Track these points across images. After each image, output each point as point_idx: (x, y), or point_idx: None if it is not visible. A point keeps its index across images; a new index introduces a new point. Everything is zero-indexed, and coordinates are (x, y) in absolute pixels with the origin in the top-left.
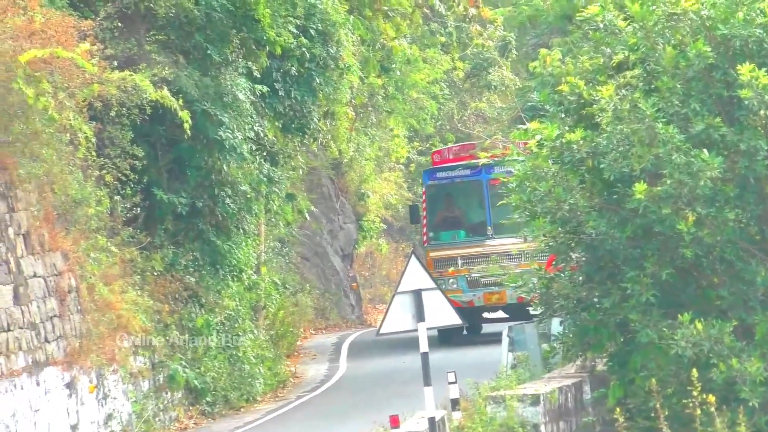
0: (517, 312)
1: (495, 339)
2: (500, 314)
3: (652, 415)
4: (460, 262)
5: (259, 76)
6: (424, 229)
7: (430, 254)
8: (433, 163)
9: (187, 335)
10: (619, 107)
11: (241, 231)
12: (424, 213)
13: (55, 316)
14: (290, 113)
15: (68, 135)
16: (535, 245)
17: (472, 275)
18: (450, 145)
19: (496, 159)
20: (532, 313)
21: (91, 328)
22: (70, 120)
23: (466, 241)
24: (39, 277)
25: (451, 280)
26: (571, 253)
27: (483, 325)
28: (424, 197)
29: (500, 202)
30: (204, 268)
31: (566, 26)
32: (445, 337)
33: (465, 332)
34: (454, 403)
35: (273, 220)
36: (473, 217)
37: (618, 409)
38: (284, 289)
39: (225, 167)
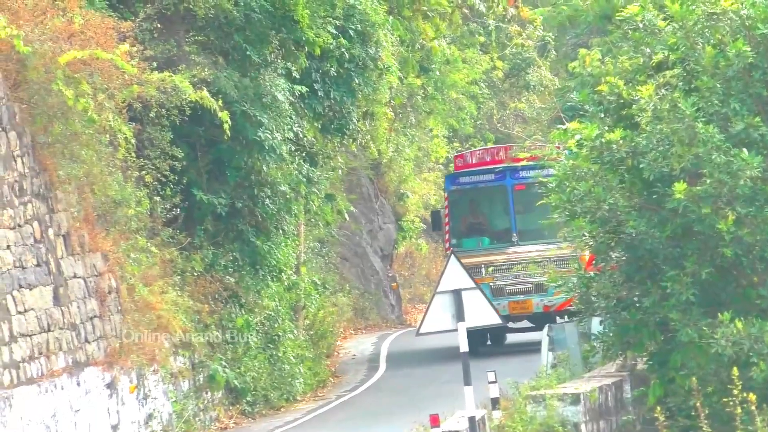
0: (543, 321)
1: (519, 350)
2: (525, 324)
3: (693, 413)
4: (484, 269)
5: (298, 76)
6: (447, 236)
7: None
8: (455, 167)
9: (228, 335)
10: (658, 107)
11: (281, 231)
12: (447, 219)
13: (95, 316)
14: (329, 114)
15: (108, 136)
16: (562, 251)
17: (497, 283)
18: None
19: (534, 160)
20: (544, 334)
21: (131, 329)
22: (109, 121)
23: (490, 248)
24: (79, 277)
25: None
26: (611, 253)
27: (507, 335)
28: (446, 203)
29: (539, 202)
30: (244, 268)
31: (605, 26)
32: (474, 349)
33: (489, 342)
34: (494, 403)
35: (312, 220)
36: (497, 223)
37: (658, 408)
38: (324, 289)
39: (264, 168)
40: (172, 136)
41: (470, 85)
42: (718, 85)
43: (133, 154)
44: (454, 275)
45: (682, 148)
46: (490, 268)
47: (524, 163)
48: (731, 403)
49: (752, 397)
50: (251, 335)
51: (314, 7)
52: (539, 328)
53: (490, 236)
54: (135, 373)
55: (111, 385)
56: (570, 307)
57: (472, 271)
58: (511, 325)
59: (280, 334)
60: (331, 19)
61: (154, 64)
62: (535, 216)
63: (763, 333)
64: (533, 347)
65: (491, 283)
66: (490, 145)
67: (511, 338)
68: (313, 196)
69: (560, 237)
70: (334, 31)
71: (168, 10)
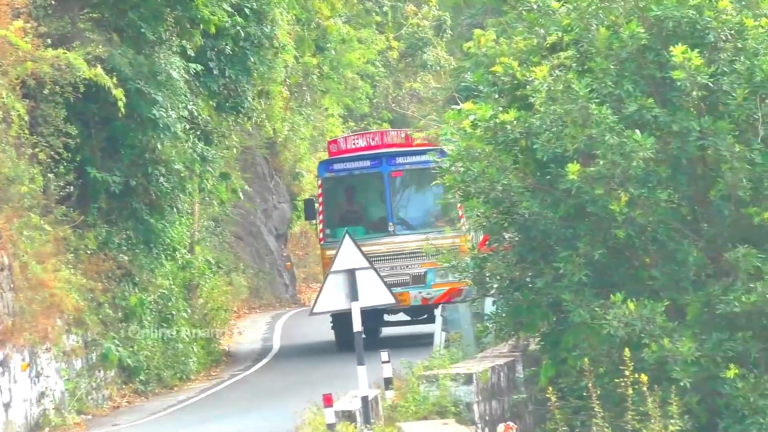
0: (420, 314)
1: (393, 344)
2: (402, 317)
3: (584, 394)
4: None
5: (193, 54)
6: (320, 226)
7: (327, 253)
8: (329, 153)
9: (120, 314)
10: (552, 88)
11: (175, 210)
12: (320, 208)
13: None
14: (224, 92)
15: (1, 113)
16: (440, 241)
17: None
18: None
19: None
20: (437, 314)
21: (23, 306)
22: (2, 98)
23: (365, 238)
24: None
25: None
26: (505, 234)
27: (383, 329)
28: (320, 191)
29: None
30: (137, 246)
31: (500, 7)
32: (343, 342)
33: (363, 336)
34: (388, 382)
35: (207, 199)
36: (373, 212)
37: (550, 389)
38: (218, 268)
39: (159, 146)
40: (66, 114)
41: (366, 64)
42: (612, 67)
43: (27, 131)
44: (349, 255)
45: (576, 129)
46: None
47: (402, 149)
48: (623, 384)
49: (644, 378)
50: (145, 314)
51: None
52: (416, 321)
53: (365, 226)
54: (27, 351)
55: (3, 363)
56: (448, 301)
57: None
58: (386, 317)
59: (173, 313)
60: None
61: (48, 41)
62: (413, 204)
63: (654, 314)
64: (409, 342)
65: None
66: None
67: (387, 332)
68: (208, 174)
69: (439, 226)
70: (229, 9)
71: None
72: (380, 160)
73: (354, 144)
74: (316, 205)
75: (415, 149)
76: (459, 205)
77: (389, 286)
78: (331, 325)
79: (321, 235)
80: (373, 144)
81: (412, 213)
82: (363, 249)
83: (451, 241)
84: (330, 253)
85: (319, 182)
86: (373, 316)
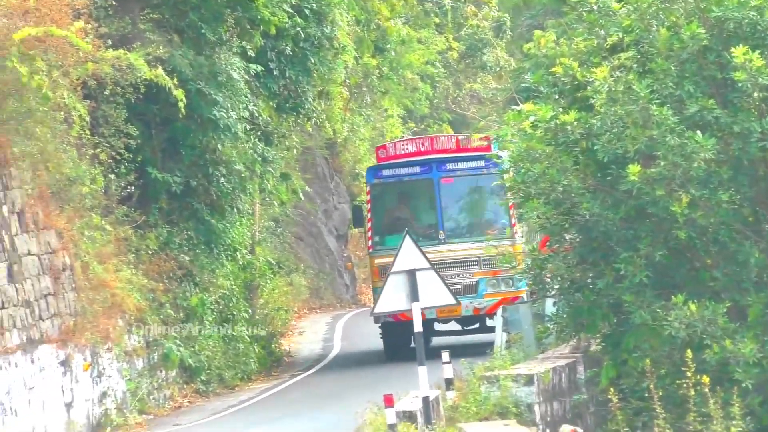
0: (471, 323)
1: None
2: (452, 326)
3: (646, 395)
4: None
5: (253, 55)
6: (369, 234)
7: (375, 261)
8: (377, 158)
9: (182, 314)
10: (613, 89)
11: (236, 210)
12: (369, 215)
13: (49, 294)
14: (285, 93)
15: (62, 113)
16: (492, 251)
17: None
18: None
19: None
20: (490, 324)
21: (85, 306)
22: (64, 98)
23: None
24: (33, 255)
25: None
26: (565, 235)
27: (433, 338)
28: (368, 198)
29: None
30: (198, 247)
31: (561, 7)
32: (392, 352)
33: (413, 345)
34: (448, 383)
35: (267, 199)
36: (423, 219)
37: (611, 390)
38: (279, 268)
39: (219, 146)
40: (126, 114)
41: (426, 65)
42: (673, 68)
43: (88, 132)
44: (409, 255)
45: (637, 130)
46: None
47: (453, 154)
48: (684, 386)
49: (705, 379)
50: (206, 314)
51: None
52: (466, 331)
53: (415, 234)
54: (89, 351)
55: (65, 363)
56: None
57: None
58: (437, 327)
59: (234, 313)
60: None
61: (109, 42)
62: (464, 212)
63: (716, 315)
64: (460, 351)
65: None
66: (443, 129)
67: (437, 341)
68: (268, 175)
69: (491, 234)
70: (289, 10)
71: None
72: (430, 166)
73: (403, 149)
74: (365, 212)
75: (466, 155)
76: (512, 213)
77: None
78: (380, 334)
79: (369, 243)
80: (422, 149)
81: (463, 221)
82: None
83: (503, 249)
84: (378, 261)
85: (368, 189)
86: (424, 326)
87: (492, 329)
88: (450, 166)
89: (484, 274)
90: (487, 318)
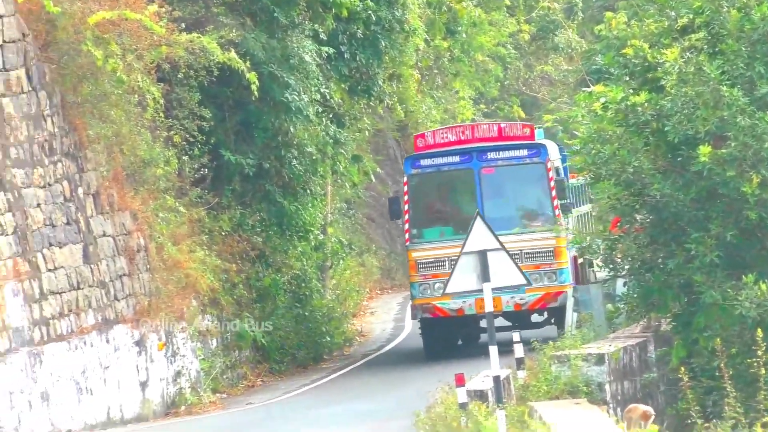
0: (520, 319)
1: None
2: (501, 321)
3: (716, 374)
4: (447, 263)
5: (325, 38)
6: (406, 226)
7: (413, 255)
8: (415, 148)
9: (255, 294)
10: (683, 70)
11: (308, 192)
12: (406, 207)
13: (124, 274)
14: (356, 75)
15: (137, 96)
16: (537, 242)
17: None
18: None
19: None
20: (569, 295)
21: (160, 287)
22: (138, 81)
23: (454, 238)
24: (108, 236)
25: (437, 284)
26: (636, 215)
27: (481, 335)
28: (405, 188)
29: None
30: (271, 228)
31: None
32: (432, 350)
33: (460, 342)
34: (519, 362)
35: (339, 181)
36: (463, 211)
37: (682, 369)
38: (350, 249)
39: (291, 129)
40: (200, 97)
41: (497, 47)
42: (743, 49)
43: (162, 115)
44: (480, 236)
45: (707, 111)
46: (455, 261)
47: (494, 143)
48: (755, 365)
49: None
50: (278, 294)
51: None
52: (517, 326)
53: (454, 226)
54: (164, 330)
55: (140, 343)
56: (543, 307)
57: (434, 264)
58: (483, 324)
59: (306, 293)
60: None
61: (182, 25)
62: (506, 203)
63: None
64: (509, 347)
65: None
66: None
67: (485, 338)
68: (340, 157)
69: (534, 226)
70: None
71: None
72: (471, 156)
73: (443, 138)
74: (402, 203)
75: (508, 143)
76: (555, 204)
77: (480, 290)
78: (420, 332)
79: (407, 236)
80: (463, 138)
81: (505, 212)
82: (451, 250)
83: (547, 241)
84: (416, 255)
85: (405, 179)
86: (470, 324)
87: (536, 325)
88: (491, 155)
89: (526, 268)
90: (532, 314)
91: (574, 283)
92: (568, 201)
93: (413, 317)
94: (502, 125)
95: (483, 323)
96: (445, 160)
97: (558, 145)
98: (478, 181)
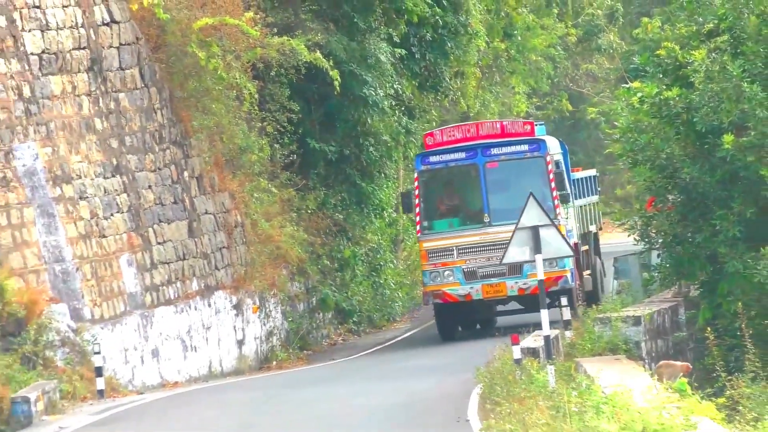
0: (532, 302)
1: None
2: (513, 305)
3: (738, 333)
4: (456, 252)
5: (398, 41)
6: (417, 218)
7: (424, 245)
8: (425, 146)
9: (336, 264)
10: (710, 68)
11: (383, 175)
12: (417, 201)
13: (223, 247)
14: (425, 73)
15: (235, 92)
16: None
17: (469, 266)
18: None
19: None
20: (611, 265)
21: (254, 258)
22: (236, 79)
23: (461, 229)
24: (210, 213)
25: (446, 272)
26: (668, 195)
27: (498, 318)
28: (416, 183)
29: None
30: (351, 206)
31: None
32: (446, 333)
33: (478, 326)
34: (567, 324)
35: (410, 165)
36: (469, 203)
37: (708, 329)
38: None
39: (369, 120)
40: (289, 92)
41: (548, 48)
42: (762, 50)
43: (256, 108)
44: (533, 213)
45: (730, 104)
46: (462, 250)
47: (497, 139)
48: None
49: None
50: (357, 264)
51: None
52: (530, 309)
53: (462, 217)
54: (258, 296)
55: (237, 306)
56: (546, 291)
57: (443, 253)
58: (500, 308)
59: (381, 263)
60: None
61: (275, 30)
62: (508, 195)
63: None
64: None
65: (463, 266)
66: (563, 104)
67: (502, 322)
68: (411, 144)
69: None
70: (429, 1)
71: None
72: (475, 152)
73: (450, 136)
74: (413, 197)
75: (510, 140)
76: (554, 195)
77: (485, 276)
78: (434, 316)
79: (418, 228)
80: (468, 135)
81: (508, 203)
82: (459, 240)
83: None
84: (427, 245)
85: (416, 175)
86: (489, 308)
87: (552, 306)
88: (494, 150)
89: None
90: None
91: (574, 268)
92: (567, 192)
93: (425, 303)
94: (505, 123)
95: (500, 307)
96: (452, 156)
97: (558, 140)
98: (483, 175)
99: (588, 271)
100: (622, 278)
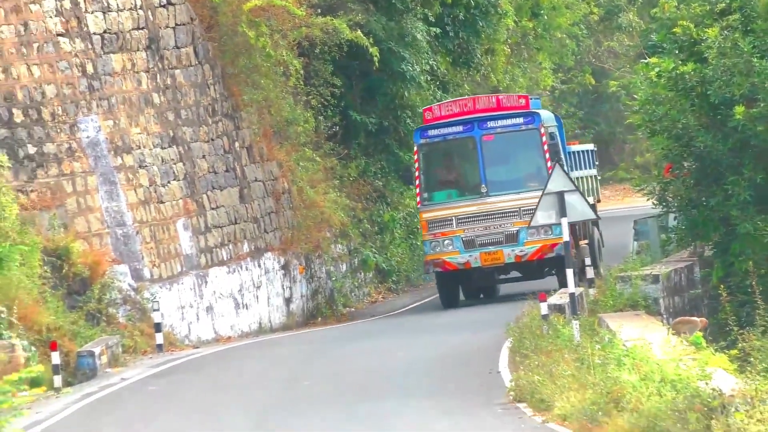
0: (531, 270)
1: (512, 299)
2: (515, 274)
3: (749, 291)
4: (454, 221)
5: (433, 20)
6: (417, 191)
7: (424, 216)
8: (424, 120)
9: (376, 228)
10: (722, 45)
11: None
12: (417, 173)
13: (272, 212)
14: (458, 50)
15: (282, 68)
16: (532, 200)
17: (468, 235)
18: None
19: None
20: (632, 228)
21: (300, 222)
22: (283, 56)
23: (459, 200)
24: (259, 181)
25: (446, 241)
26: (684, 163)
27: (500, 287)
28: (416, 157)
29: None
30: (389, 174)
31: None
32: (448, 301)
33: (482, 296)
34: (590, 282)
35: None
36: (467, 175)
37: (721, 286)
38: None
39: (406, 94)
40: (332, 69)
41: (572, 26)
42: None
43: (302, 83)
44: (558, 180)
45: (741, 78)
46: (461, 220)
47: (493, 113)
48: None
49: None
50: (396, 228)
51: None
52: (529, 277)
53: (460, 188)
54: (303, 257)
55: (285, 267)
56: (541, 258)
57: (442, 223)
58: (502, 276)
59: (418, 227)
60: None
61: (319, 10)
62: (504, 166)
63: None
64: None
65: (462, 235)
66: (586, 79)
67: (505, 289)
68: None
69: (531, 186)
70: None
71: None
72: (472, 125)
73: (448, 110)
74: (413, 170)
75: (505, 113)
76: (549, 166)
77: (483, 245)
78: (436, 284)
79: (418, 199)
80: (465, 110)
81: (504, 175)
82: (457, 210)
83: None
84: (426, 215)
85: (415, 149)
86: (490, 276)
87: (541, 276)
88: (491, 123)
89: (524, 224)
90: (544, 267)
91: (570, 239)
92: (562, 163)
93: (426, 272)
94: (501, 97)
95: (502, 276)
96: (449, 130)
97: (554, 114)
98: (480, 148)
99: (586, 241)
100: (642, 239)
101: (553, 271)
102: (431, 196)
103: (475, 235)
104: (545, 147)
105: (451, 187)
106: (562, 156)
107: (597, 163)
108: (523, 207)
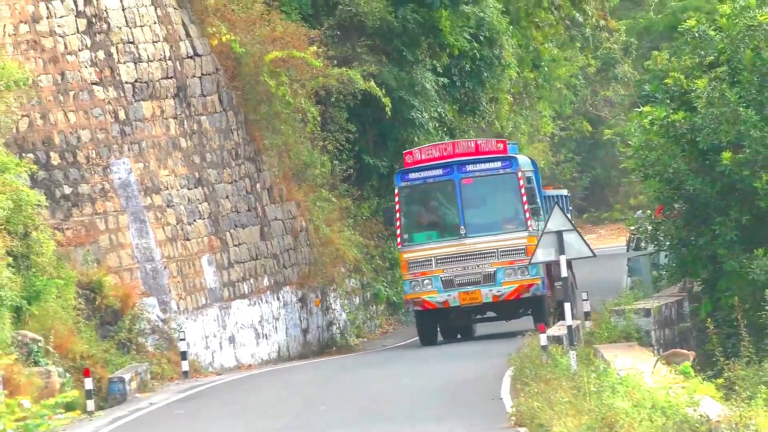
0: (507, 311)
1: (488, 338)
2: (490, 314)
3: (734, 324)
4: (434, 262)
5: (441, 71)
6: (398, 231)
7: (404, 256)
8: (404, 164)
9: (387, 264)
10: (711, 95)
11: None
12: (398, 215)
13: (290, 249)
14: (464, 99)
15: (300, 115)
16: (508, 242)
17: (446, 275)
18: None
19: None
20: (625, 265)
21: (316, 258)
22: (301, 104)
23: (439, 241)
24: (279, 220)
25: (425, 281)
26: (675, 204)
27: (476, 327)
28: (396, 199)
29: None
30: None
31: (672, 34)
32: (426, 338)
33: (459, 336)
34: (587, 315)
35: None
36: (446, 217)
37: (709, 320)
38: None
39: (416, 139)
40: (347, 116)
41: (570, 77)
42: (755, 79)
43: (319, 129)
44: (557, 220)
45: (728, 126)
46: (440, 260)
47: (472, 157)
48: (764, 317)
49: None
50: None
51: (454, 18)
52: (503, 317)
53: (439, 230)
54: (319, 291)
55: (302, 300)
56: (517, 298)
57: (422, 263)
58: (479, 316)
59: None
60: (466, 27)
61: (335, 62)
62: (482, 208)
63: None
64: (502, 337)
65: (441, 275)
66: (584, 126)
67: (480, 329)
68: None
69: (507, 229)
70: (468, 37)
71: (345, 22)
72: (452, 169)
73: (428, 154)
74: (394, 212)
75: (484, 157)
76: (526, 209)
77: (461, 285)
78: (415, 323)
79: (399, 240)
80: (445, 154)
81: (482, 217)
82: (436, 251)
83: (520, 240)
84: (407, 255)
85: (396, 191)
86: (467, 316)
87: (517, 316)
88: (470, 167)
89: (501, 264)
90: (518, 308)
91: (545, 277)
92: (538, 206)
93: (406, 310)
94: (479, 142)
95: (478, 316)
96: (429, 173)
97: (530, 159)
98: (459, 190)
99: (560, 282)
100: (635, 275)
101: (529, 311)
102: (411, 237)
103: (453, 275)
104: (522, 191)
105: (430, 229)
106: (538, 200)
107: (570, 208)
108: (500, 248)
